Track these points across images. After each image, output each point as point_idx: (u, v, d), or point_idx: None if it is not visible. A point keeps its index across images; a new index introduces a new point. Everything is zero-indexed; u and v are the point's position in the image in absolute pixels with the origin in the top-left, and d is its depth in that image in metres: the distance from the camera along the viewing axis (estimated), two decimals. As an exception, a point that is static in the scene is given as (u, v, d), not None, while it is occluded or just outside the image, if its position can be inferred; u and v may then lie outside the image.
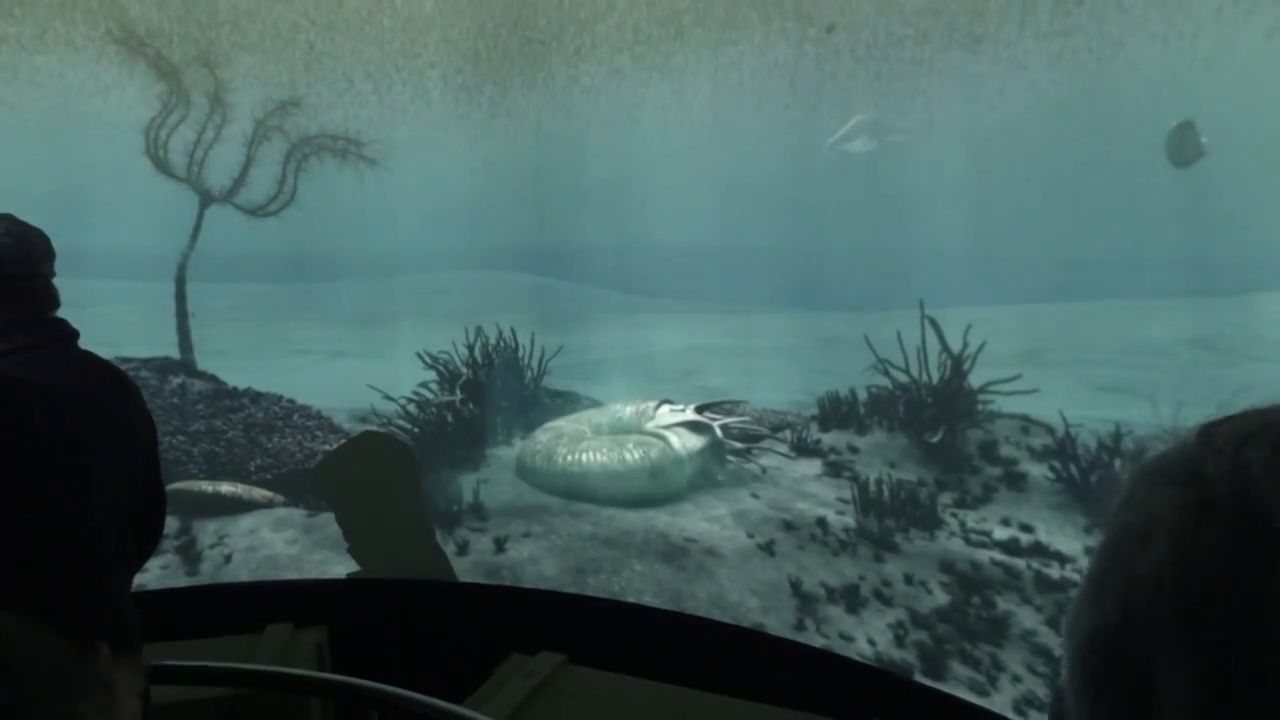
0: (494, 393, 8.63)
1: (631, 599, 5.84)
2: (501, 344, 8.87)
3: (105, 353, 1.72)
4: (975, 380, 7.68)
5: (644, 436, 7.62)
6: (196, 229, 9.64)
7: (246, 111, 9.66)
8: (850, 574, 6.23)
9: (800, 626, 5.76)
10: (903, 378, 7.83)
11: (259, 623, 2.70)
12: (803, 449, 7.96)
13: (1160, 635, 0.46)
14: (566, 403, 9.06)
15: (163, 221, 9.75)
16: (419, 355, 8.59)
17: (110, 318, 9.21)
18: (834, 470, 7.61)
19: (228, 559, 6.52)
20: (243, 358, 10.65)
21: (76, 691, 0.65)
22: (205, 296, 10.00)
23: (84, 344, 1.65)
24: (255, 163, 9.62)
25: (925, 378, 7.75)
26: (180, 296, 9.59)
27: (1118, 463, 6.82)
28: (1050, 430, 7.50)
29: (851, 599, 5.98)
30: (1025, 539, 6.53)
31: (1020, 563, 6.26)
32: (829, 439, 8.02)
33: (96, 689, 0.66)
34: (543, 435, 7.89)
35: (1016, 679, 5.36)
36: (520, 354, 8.93)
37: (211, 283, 10.58)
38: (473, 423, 8.10)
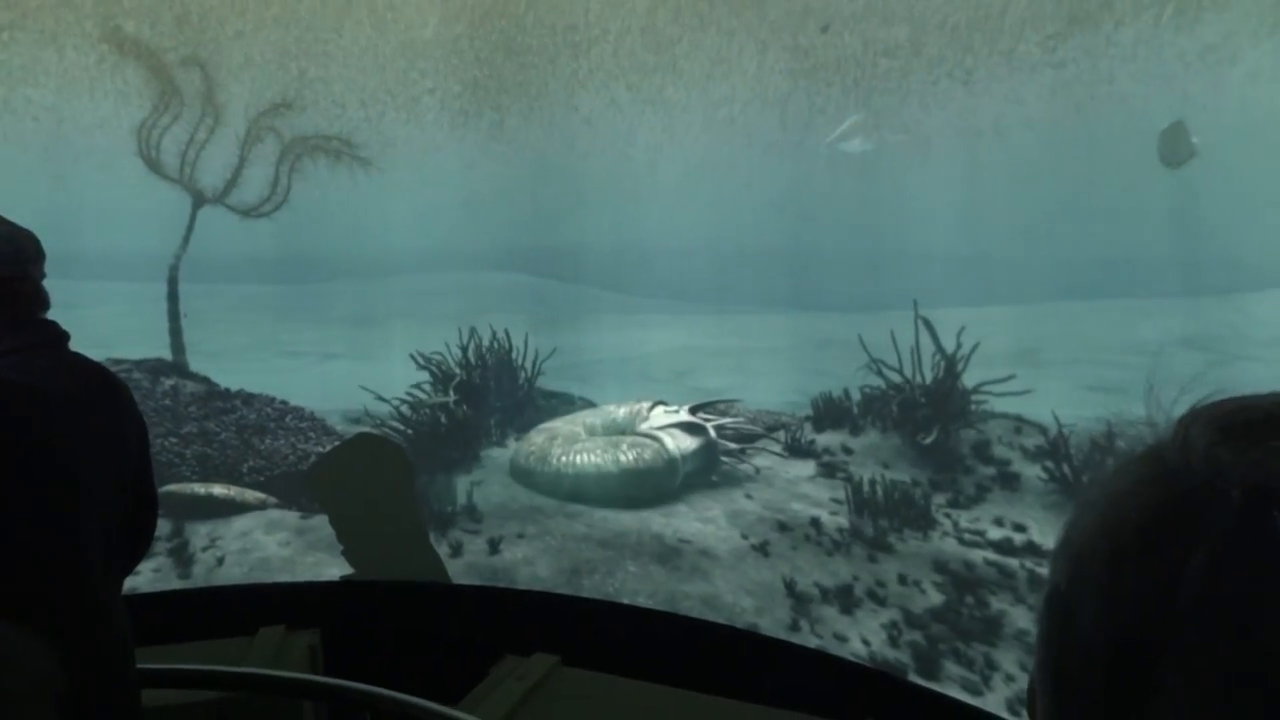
0: (488, 394, 8.61)
1: (626, 600, 5.84)
2: (495, 345, 8.86)
3: (96, 354, 1.70)
4: (969, 380, 7.70)
5: (638, 437, 7.62)
6: (189, 230, 9.62)
7: (239, 112, 9.64)
8: (844, 574, 6.24)
9: (794, 627, 5.77)
10: (896, 378, 7.85)
11: (251, 625, 2.69)
12: (797, 450, 7.97)
13: (1092, 592, 0.48)
14: (560, 404, 9.06)
15: (155, 222, 9.72)
16: (412, 356, 8.57)
17: (102, 319, 9.17)
18: (828, 471, 7.62)
19: (220, 561, 6.50)
20: (235, 359, 10.62)
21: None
22: (198, 298, 9.97)
23: (75, 346, 1.63)
24: (248, 164, 9.60)
25: (919, 378, 7.77)
26: (173, 298, 9.56)
27: (1110, 462, 6.84)
28: (1043, 430, 7.53)
29: (845, 599, 5.99)
30: (1018, 539, 6.55)
31: (1014, 562, 6.27)
32: (823, 439, 8.03)
33: None
34: (537, 436, 7.88)
35: (1010, 678, 5.37)
36: (514, 355, 8.92)
37: (204, 284, 10.55)
38: (466, 424, 8.08)
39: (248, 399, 8.61)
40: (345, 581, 5.43)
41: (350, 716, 2.08)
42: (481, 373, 8.65)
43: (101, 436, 1.52)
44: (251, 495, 7.26)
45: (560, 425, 8.07)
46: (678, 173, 13.13)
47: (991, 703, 5.13)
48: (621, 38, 11.64)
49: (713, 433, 7.70)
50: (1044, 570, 6.18)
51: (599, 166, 12.75)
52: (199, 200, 9.62)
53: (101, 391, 1.57)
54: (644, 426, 7.79)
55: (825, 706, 2.23)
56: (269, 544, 6.66)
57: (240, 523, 6.94)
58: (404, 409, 8.21)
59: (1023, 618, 5.80)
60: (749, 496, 7.27)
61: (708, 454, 7.61)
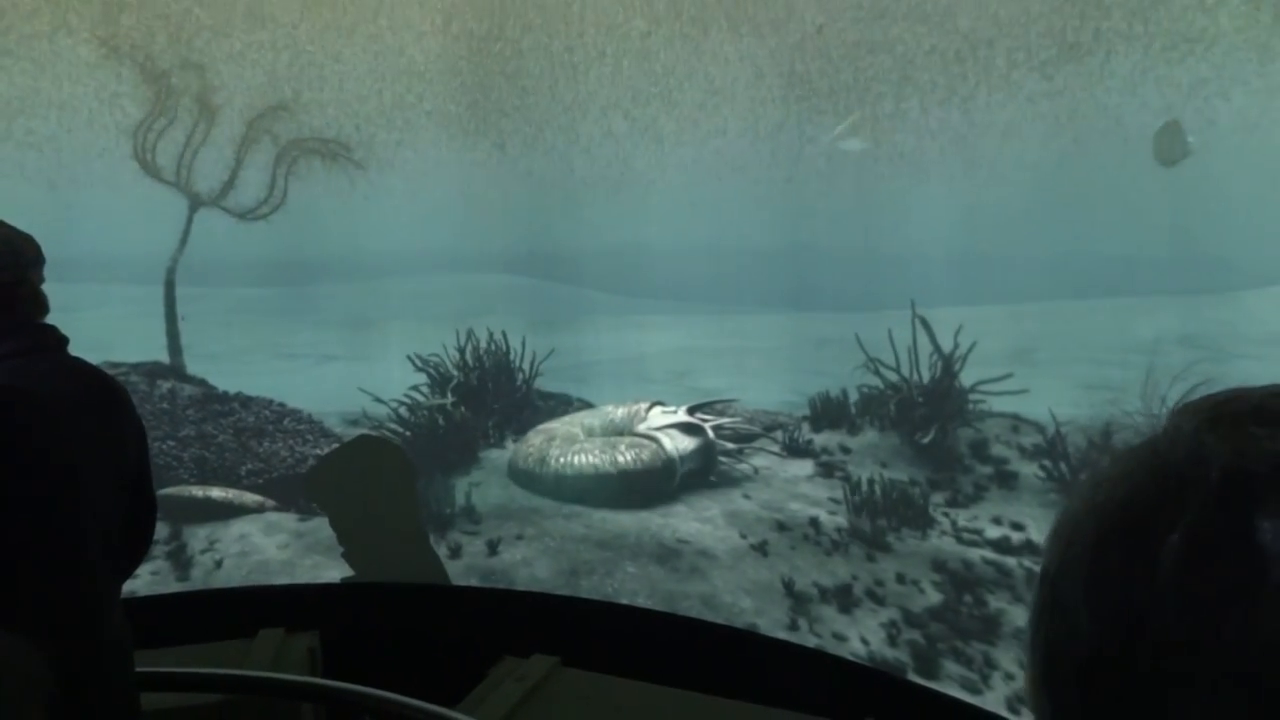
0: (486, 395, 8.61)
1: (624, 601, 5.84)
2: (493, 346, 8.86)
3: (93, 357, 1.70)
4: (966, 379, 7.71)
5: (636, 438, 7.63)
6: (186, 232, 9.61)
7: (235, 115, 9.64)
8: (843, 574, 6.24)
9: (793, 627, 5.77)
10: (894, 377, 7.86)
11: (251, 628, 2.69)
12: (795, 449, 7.97)
13: (1078, 572, 0.49)
14: (558, 405, 9.05)
15: (151, 225, 9.71)
16: (410, 358, 8.57)
17: (98, 322, 9.15)
18: (826, 470, 7.63)
19: (219, 564, 6.49)
20: (233, 362, 10.60)
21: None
22: (195, 300, 9.96)
23: (71, 349, 1.63)
24: (244, 166, 9.59)
25: (916, 377, 7.78)
26: (169, 300, 9.55)
27: (1106, 459, 6.86)
28: (1041, 429, 7.54)
29: (844, 599, 5.99)
30: (1016, 537, 6.56)
31: (1012, 561, 6.28)
32: (821, 439, 8.04)
33: None
34: (535, 438, 7.88)
35: (1009, 677, 5.38)
36: (512, 356, 8.91)
37: (201, 287, 10.54)
38: (464, 426, 8.08)
39: (245, 401, 8.61)
40: (344, 584, 5.43)
41: (349, 719, 2.08)
42: (479, 374, 8.65)
43: (101, 440, 1.52)
44: (250, 498, 7.25)
45: (558, 426, 8.07)
46: (677, 173, 13.15)
47: (990, 701, 5.14)
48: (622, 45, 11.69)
49: (711, 433, 7.70)
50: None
51: (599, 176, 12.77)
52: (195, 203, 9.61)
53: (101, 395, 1.57)
54: (642, 427, 7.79)
55: (825, 706, 2.24)
56: (267, 546, 6.65)
57: (238, 525, 6.94)
58: (402, 411, 8.20)
59: (1021, 616, 5.80)
60: (747, 496, 7.27)
61: (706, 454, 7.62)
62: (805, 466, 7.74)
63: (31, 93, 10.00)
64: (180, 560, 6.50)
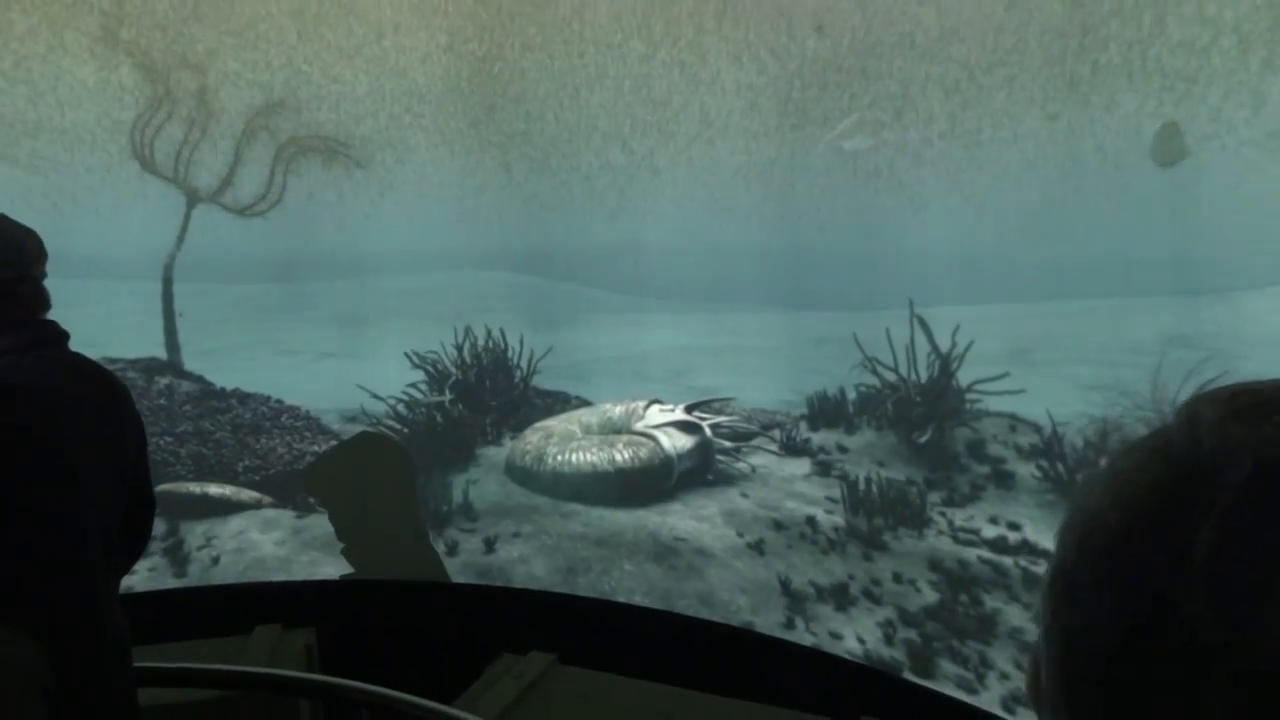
0: (483, 393, 8.61)
1: (621, 598, 5.85)
2: (491, 344, 8.86)
3: (91, 353, 1.70)
4: (963, 379, 7.72)
5: (634, 436, 7.63)
6: (183, 229, 9.60)
7: (235, 112, 9.63)
8: (839, 572, 6.25)
9: (790, 625, 5.78)
10: (891, 377, 7.87)
11: (247, 624, 2.69)
12: (792, 448, 7.98)
13: (1101, 565, 0.49)
14: (556, 402, 9.06)
15: (149, 221, 9.70)
16: (407, 355, 8.57)
17: (96, 318, 9.15)
18: (823, 469, 7.63)
19: (216, 560, 6.49)
20: (230, 358, 10.60)
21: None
22: (192, 296, 9.95)
23: (70, 345, 1.63)
24: (242, 163, 9.58)
25: (914, 377, 7.79)
26: (167, 297, 9.55)
27: (1103, 459, 6.87)
28: (1037, 429, 7.55)
29: (841, 597, 6.00)
30: (1013, 537, 6.57)
31: (1008, 560, 6.30)
32: (818, 438, 8.04)
33: None
34: (532, 435, 7.89)
35: (1005, 676, 5.39)
36: (509, 354, 8.91)
37: (198, 283, 10.53)
38: (462, 423, 8.08)
39: (243, 398, 8.60)
40: (341, 580, 5.43)
41: (346, 714, 2.08)
42: (477, 372, 8.65)
43: (101, 436, 1.52)
44: (247, 494, 7.25)
45: (556, 424, 8.07)
46: (676, 173, 13.17)
47: (986, 700, 5.15)
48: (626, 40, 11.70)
49: (708, 431, 7.71)
50: (1038, 568, 6.20)
51: (598, 164, 12.78)
52: (193, 200, 9.60)
53: (101, 392, 1.58)
54: (640, 425, 7.80)
55: (820, 704, 2.24)
56: (264, 543, 6.65)
57: (236, 522, 6.93)
58: (400, 408, 8.20)
59: (1017, 615, 5.82)
60: (744, 495, 7.28)
61: (703, 452, 7.62)
62: (802, 465, 7.75)
63: (32, 93, 10.02)
64: (177, 556, 6.50)
